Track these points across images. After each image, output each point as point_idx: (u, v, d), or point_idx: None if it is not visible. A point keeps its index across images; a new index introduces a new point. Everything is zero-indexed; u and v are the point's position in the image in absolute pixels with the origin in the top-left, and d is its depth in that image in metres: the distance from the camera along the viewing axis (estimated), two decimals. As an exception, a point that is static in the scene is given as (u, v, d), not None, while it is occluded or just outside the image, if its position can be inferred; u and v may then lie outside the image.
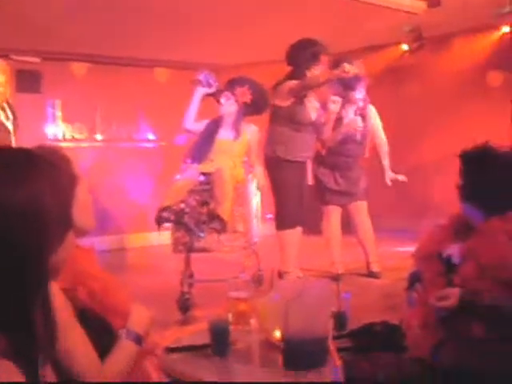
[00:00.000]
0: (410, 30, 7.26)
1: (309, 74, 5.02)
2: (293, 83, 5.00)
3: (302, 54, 5.08)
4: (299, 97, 5.03)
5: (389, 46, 7.86)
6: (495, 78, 7.07)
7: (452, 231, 2.62)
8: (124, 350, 1.80)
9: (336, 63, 5.01)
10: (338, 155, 5.44)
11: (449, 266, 2.48)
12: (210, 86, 5.09)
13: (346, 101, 5.45)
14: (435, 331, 2.35)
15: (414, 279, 2.58)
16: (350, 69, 4.81)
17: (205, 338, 2.43)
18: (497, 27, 7.01)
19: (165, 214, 4.59)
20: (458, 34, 7.41)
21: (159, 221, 4.63)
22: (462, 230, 2.58)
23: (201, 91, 5.08)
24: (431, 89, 7.70)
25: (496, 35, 7.13)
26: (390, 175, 5.64)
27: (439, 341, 2.30)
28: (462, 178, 2.55)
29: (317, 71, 5.03)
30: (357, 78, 5.18)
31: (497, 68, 7.05)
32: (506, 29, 6.96)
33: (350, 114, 5.47)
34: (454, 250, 2.50)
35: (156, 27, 6.44)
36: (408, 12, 6.34)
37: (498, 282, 2.33)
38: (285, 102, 5.05)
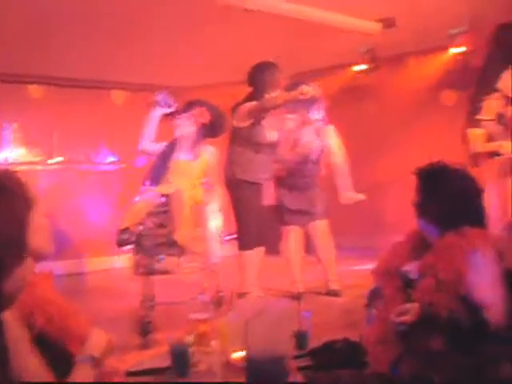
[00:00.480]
0: (366, 50, 7.39)
1: (267, 95, 5.05)
2: (251, 104, 5.03)
3: (261, 76, 5.13)
4: (257, 118, 5.06)
5: (346, 66, 7.97)
6: (448, 96, 7.22)
7: (410, 247, 2.66)
8: (81, 374, 1.77)
9: (294, 85, 5.06)
10: (296, 175, 5.47)
11: (407, 282, 2.51)
12: (168, 106, 5.08)
13: (304, 122, 5.50)
14: (394, 346, 2.38)
15: (374, 296, 2.61)
16: (307, 90, 4.85)
17: (166, 361, 2.41)
18: (449, 48, 7.17)
19: (124, 236, 4.55)
20: (412, 54, 7.56)
21: (120, 243, 4.58)
22: (419, 246, 2.62)
23: (158, 112, 5.07)
24: (387, 108, 7.82)
25: (448, 55, 7.29)
26: (346, 195, 5.67)
27: (398, 355, 2.33)
28: (418, 194, 2.59)
29: (275, 93, 5.07)
30: (314, 100, 5.23)
31: (449, 87, 7.20)
32: (457, 49, 7.13)
33: (307, 135, 5.51)
34: (412, 266, 2.54)
35: (113, 49, 6.41)
36: (363, 33, 6.45)
37: (455, 296, 2.37)
38: (243, 124, 5.07)
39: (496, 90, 5.71)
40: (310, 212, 5.55)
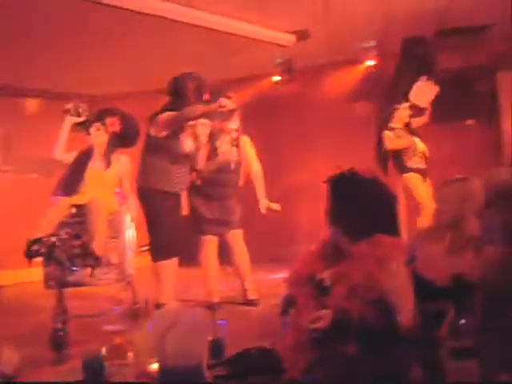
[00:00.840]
0: (281, 62, 7.49)
1: (187, 107, 5.03)
2: (170, 115, 5.00)
3: (183, 87, 5.10)
4: (176, 129, 5.04)
5: (262, 77, 8.05)
6: (361, 108, 7.42)
7: (323, 256, 2.70)
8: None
9: (213, 95, 5.08)
10: (213, 185, 5.48)
11: (321, 290, 2.55)
12: (79, 115, 5.02)
13: (221, 131, 5.52)
14: (309, 352, 2.41)
15: (287, 304, 2.64)
16: (225, 104, 4.91)
17: (79, 375, 2.36)
18: (362, 60, 7.37)
19: (34, 248, 4.43)
20: (326, 67, 7.72)
21: (29, 255, 4.45)
22: (332, 254, 2.66)
23: (70, 121, 5.01)
24: (302, 118, 7.95)
25: (361, 68, 7.49)
26: (264, 204, 5.73)
27: (313, 361, 2.36)
28: (329, 203, 2.63)
29: (195, 104, 5.06)
30: (231, 111, 5.27)
31: (362, 99, 7.40)
32: (370, 62, 7.33)
33: (224, 145, 5.54)
34: (325, 274, 2.58)
35: (26, 56, 6.27)
36: (278, 44, 6.54)
37: (368, 302, 2.42)
38: (161, 133, 5.04)
39: (406, 100, 5.92)
40: (228, 221, 5.57)
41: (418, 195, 5.85)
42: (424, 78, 5.91)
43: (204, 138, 5.26)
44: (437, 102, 6.02)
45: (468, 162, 6.06)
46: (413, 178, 5.91)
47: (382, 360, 2.33)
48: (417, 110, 5.94)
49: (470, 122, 6.94)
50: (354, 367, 2.32)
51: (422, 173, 5.92)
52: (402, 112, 5.98)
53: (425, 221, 5.57)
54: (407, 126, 6.05)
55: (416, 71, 5.84)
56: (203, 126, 5.10)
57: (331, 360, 2.36)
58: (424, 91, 5.93)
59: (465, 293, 2.50)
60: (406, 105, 5.98)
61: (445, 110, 6.48)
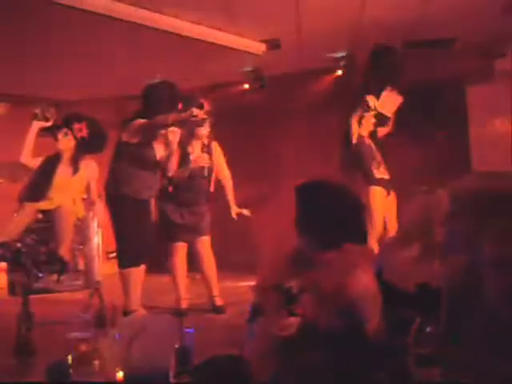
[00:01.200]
0: (251, 70, 7.51)
1: (160, 115, 5.02)
2: (143, 121, 4.99)
3: (157, 95, 5.08)
4: (147, 135, 5.03)
5: (232, 84, 8.06)
6: (331, 117, 7.47)
7: (291, 264, 2.70)
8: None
9: (184, 104, 5.08)
10: (185, 191, 5.47)
11: (289, 297, 2.56)
12: (46, 120, 5.00)
13: (193, 137, 5.52)
14: (276, 360, 2.41)
15: (255, 311, 2.64)
16: (198, 113, 4.93)
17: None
18: (332, 70, 7.44)
19: (0, 251, 4.38)
20: (297, 75, 7.76)
21: (-6, 258, 4.40)
22: (300, 262, 2.67)
23: (37, 125, 4.98)
24: (272, 126, 7.98)
25: (331, 77, 7.56)
26: (235, 209, 5.74)
27: (280, 369, 2.36)
28: (297, 211, 2.65)
29: (168, 113, 5.05)
30: (203, 119, 5.27)
31: (332, 108, 7.45)
32: (339, 72, 7.41)
33: (196, 150, 5.55)
34: (293, 282, 2.59)
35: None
36: (249, 52, 6.56)
37: (335, 310, 2.44)
38: (132, 139, 5.02)
39: (373, 109, 5.99)
40: (198, 228, 5.57)
41: (379, 212, 5.84)
42: (389, 87, 6.00)
43: (175, 145, 5.26)
44: (404, 113, 6.10)
45: (436, 173, 6.14)
46: (377, 193, 5.93)
47: (349, 367, 2.35)
48: (381, 120, 6.02)
49: (438, 133, 7.03)
50: (320, 375, 2.33)
51: (387, 184, 5.98)
52: (368, 120, 6.06)
53: (390, 232, 5.64)
54: (372, 134, 6.13)
55: (383, 80, 5.92)
56: (174, 134, 5.09)
57: (298, 368, 2.36)
58: (389, 101, 6.02)
59: (430, 301, 2.53)
60: (372, 113, 6.05)
61: (412, 120, 6.57)
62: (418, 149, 6.94)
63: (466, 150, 6.94)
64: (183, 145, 5.46)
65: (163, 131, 5.07)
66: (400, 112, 6.08)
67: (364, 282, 2.51)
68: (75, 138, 5.02)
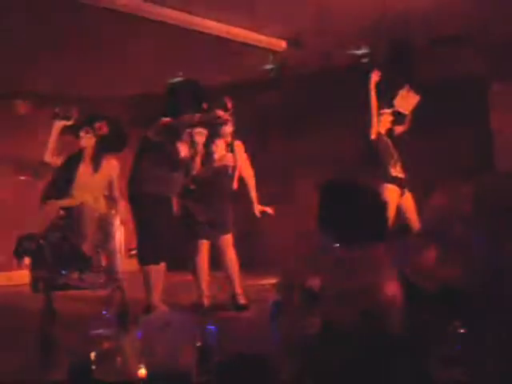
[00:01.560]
0: (273, 68, 7.48)
1: (186, 114, 5.04)
2: (168, 120, 5.02)
3: (183, 94, 5.11)
4: (172, 134, 5.05)
5: (254, 82, 8.04)
6: (350, 116, 7.45)
7: (313, 262, 2.70)
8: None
9: (209, 103, 5.12)
10: (209, 189, 5.49)
11: (310, 296, 2.55)
12: (67, 119, 5.05)
13: (217, 136, 5.54)
14: (298, 359, 2.41)
15: (276, 309, 2.64)
16: (222, 114, 4.96)
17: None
18: (355, 67, 7.43)
19: (25, 245, 4.43)
20: (318, 73, 7.72)
21: (18, 253, 4.45)
22: (322, 261, 2.67)
23: (59, 124, 5.03)
24: (293, 125, 7.98)
25: (352, 74, 7.53)
26: (258, 207, 5.75)
27: (301, 368, 2.36)
28: (320, 209, 2.64)
29: (194, 112, 5.07)
30: (227, 119, 5.29)
31: (352, 105, 7.42)
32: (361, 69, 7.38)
33: (220, 149, 5.57)
34: (314, 281, 2.58)
35: (15, 58, 6.25)
36: (269, 50, 6.57)
37: (357, 309, 2.43)
38: (157, 138, 5.05)
39: (391, 107, 5.99)
40: (222, 226, 5.58)
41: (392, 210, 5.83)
42: (407, 85, 5.99)
43: (200, 146, 5.30)
44: (424, 110, 6.08)
45: (458, 172, 6.10)
46: (391, 191, 5.92)
47: (371, 367, 2.34)
48: (398, 117, 6.02)
49: (459, 130, 6.97)
50: (342, 374, 2.32)
51: (402, 183, 5.97)
52: (386, 118, 6.07)
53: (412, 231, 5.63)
54: (389, 132, 6.13)
55: (401, 78, 5.92)
56: (200, 135, 5.14)
57: (320, 366, 2.36)
58: (407, 98, 6.00)
59: (454, 301, 2.51)
60: (389, 111, 6.06)
61: (433, 118, 6.54)
62: (440, 147, 6.90)
63: (488, 149, 6.87)
64: (207, 143, 5.48)
65: (188, 130, 5.09)
66: (420, 110, 6.06)
67: (389, 282, 2.50)
68: (96, 136, 5.07)
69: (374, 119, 6.01)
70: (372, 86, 5.95)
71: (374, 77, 5.95)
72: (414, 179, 6.07)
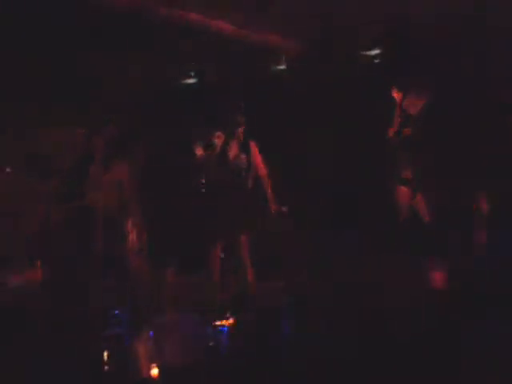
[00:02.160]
0: (285, 68, 7.49)
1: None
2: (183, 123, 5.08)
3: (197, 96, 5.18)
4: (187, 136, 5.11)
5: (267, 82, 8.03)
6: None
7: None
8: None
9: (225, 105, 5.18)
10: (223, 190, 5.50)
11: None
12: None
13: (231, 136, 5.55)
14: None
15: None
16: (239, 117, 5.03)
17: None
18: (367, 67, 7.42)
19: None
20: (330, 73, 7.71)
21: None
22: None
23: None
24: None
25: (365, 75, 7.53)
26: (273, 206, 5.76)
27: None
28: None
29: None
30: (242, 120, 5.33)
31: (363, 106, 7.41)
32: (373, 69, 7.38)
33: (234, 150, 5.58)
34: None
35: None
36: (280, 51, 6.60)
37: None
38: (170, 140, 5.10)
39: (399, 107, 5.99)
40: (236, 227, 5.59)
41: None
42: (416, 87, 5.99)
43: (218, 148, 5.32)
44: (443, 111, 6.05)
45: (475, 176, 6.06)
46: (402, 193, 5.93)
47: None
48: (407, 119, 6.02)
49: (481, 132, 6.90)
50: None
51: (413, 184, 5.96)
52: (396, 119, 6.06)
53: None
54: (399, 133, 6.12)
55: (409, 79, 5.91)
56: (219, 138, 5.18)
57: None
58: (416, 100, 6.00)
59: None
60: (399, 112, 6.05)
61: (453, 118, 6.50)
62: (459, 149, 6.85)
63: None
64: (222, 144, 5.51)
65: (204, 133, 5.13)
66: (439, 111, 6.03)
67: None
68: (107, 139, 5.11)
69: (395, 119, 6.00)
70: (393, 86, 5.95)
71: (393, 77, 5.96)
72: (424, 180, 6.03)
